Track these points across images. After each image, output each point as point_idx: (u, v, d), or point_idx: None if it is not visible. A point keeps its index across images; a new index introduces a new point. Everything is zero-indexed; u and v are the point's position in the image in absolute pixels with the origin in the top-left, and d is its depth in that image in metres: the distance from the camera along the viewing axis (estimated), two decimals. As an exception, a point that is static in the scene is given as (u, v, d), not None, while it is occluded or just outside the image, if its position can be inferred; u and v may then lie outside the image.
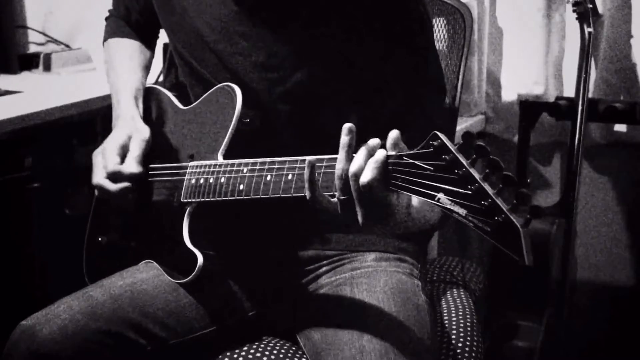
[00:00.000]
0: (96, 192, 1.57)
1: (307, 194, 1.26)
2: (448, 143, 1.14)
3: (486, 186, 1.10)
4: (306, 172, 1.25)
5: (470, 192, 1.11)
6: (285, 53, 1.50)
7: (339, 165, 1.24)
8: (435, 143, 1.15)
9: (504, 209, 1.08)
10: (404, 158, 1.19)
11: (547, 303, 2.37)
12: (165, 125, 1.63)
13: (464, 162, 1.12)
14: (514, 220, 1.07)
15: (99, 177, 1.55)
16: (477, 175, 1.11)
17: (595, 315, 2.67)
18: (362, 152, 1.22)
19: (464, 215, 1.11)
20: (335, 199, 1.26)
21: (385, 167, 1.20)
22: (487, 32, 2.64)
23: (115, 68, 1.74)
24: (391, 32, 1.47)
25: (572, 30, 2.52)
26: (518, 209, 1.08)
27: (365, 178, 1.20)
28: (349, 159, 1.23)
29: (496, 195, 1.09)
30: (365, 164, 1.21)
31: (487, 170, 1.10)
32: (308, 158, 1.26)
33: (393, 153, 1.20)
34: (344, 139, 1.24)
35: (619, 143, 2.60)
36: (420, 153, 1.17)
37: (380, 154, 1.20)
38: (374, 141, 1.23)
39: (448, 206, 1.13)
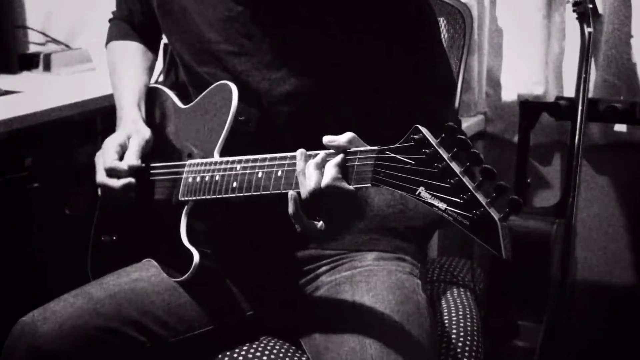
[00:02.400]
0: (99, 191, 1.57)
1: (297, 227, 1.31)
2: (429, 136, 1.14)
3: (465, 180, 1.10)
4: (290, 207, 1.29)
5: (449, 186, 1.11)
6: (287, 53, 1.50)
7: (303, 190, 1.28)
8: (416, 137, 1.15)
9: (483, 202, 1.07)
10: (386, 152, 1.19)
11: (547, 303, 2.37)
12: (166, 124, 1.64)
13: (445, 155, 1.12)
14: (492, 213, 1.07)
15: (100, 176, 1.55)
16: (457, 169, 1.11)
17: (595, 315, 2.67)
18: (310, 165, 1.27)
19: (443, 209, 1.11)
20: (319, 222, 1.30)
21: (342, 174, 1.24)
22: (487, 32, 2.64)
23: (118, 71, 1.73)
24: (391, 32, 1.48)
25: (572, 30, 2.52)
26: (497, 203, 1.08)
27: (324, 182, 1.25)
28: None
29: (475, 188, 1.09)
30: (316, 171, 1.26)
31: (468, 164, 1.10)
32: (290, 193, 1.29)
33: (352, 150, 1.24)
34: (299, 164, 1.29)
35: (619, 143, 2.60)
36: (401, 147, 1.18)
37: (330, 171, 1.25)
38: (319, 157, 1.28)
39: (429, 200, 1.13)
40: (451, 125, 1.12)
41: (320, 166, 1.27)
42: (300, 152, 1.30)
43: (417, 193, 1.14)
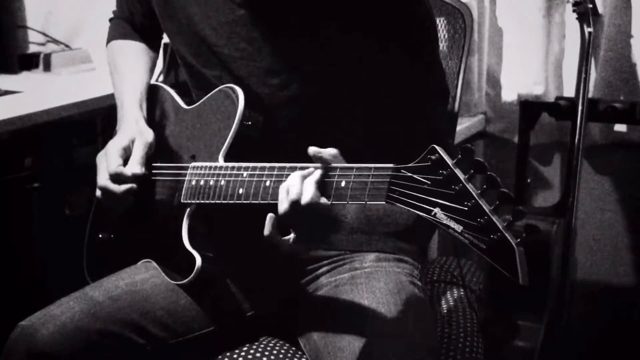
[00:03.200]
0: (98, 193, 1.57)
1: (267, 244, 1.34)
2: (446, 158, 1.14)
3: (483, 203, 1.09)
4: (267, 229, 1.32)
5: (466, 209, 1.10)
6: (289, 58, 1.50)
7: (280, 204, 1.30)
8: (433, 157, 1.15)
9: (500, 227, 1.07)
10: (402, 171, 1.19)
11: (547, 303, 2.37)
12: (168, 124, 1.63)
13: (462, 177, 1.12)
14: (510, 238, 1.07)
15: (102, 179, 1.54)
16: (474, 192, 1.10)
17: (595, 315, 2.67)
18: (295, 177, 1.29)
19: (459, 231, 1.11)
20: (290, 237, 1.32)
21: (317, 180, 1.26)
22: (487, 32, 2.64)
23: (119, 70, 1.73)
24: (390, 37, 1.48)
25: (572, 30, 2.52)
26: (513, 227, 1.08)
27: (305, 199, 1.27)
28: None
29: (492, 212, 1.09)
30: (301, 184, 1.28)
31: (485, 187, 1.10)
32: (269, 214, 1.31)
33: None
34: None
35: (619, 143, 2.60)
36: (418, 167, 1.17)
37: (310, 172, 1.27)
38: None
39: (444, 222, 1.12)
40: (468, 147, 1.12)
41: (303, 181, 1.29)
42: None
43: (432, 214, 1.14)
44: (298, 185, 1.28)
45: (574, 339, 2.48)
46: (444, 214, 1.13)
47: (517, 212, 1.07)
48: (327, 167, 1.28)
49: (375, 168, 1.23)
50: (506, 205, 1.08)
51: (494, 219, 1.08)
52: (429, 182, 1.15)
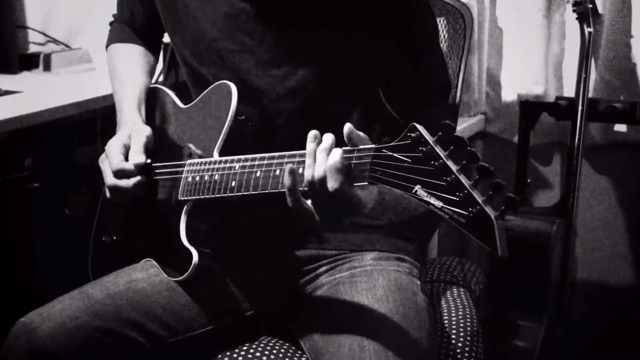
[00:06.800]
0: (108, 193, 1.56)
1: (289, 200, 1.29)
2: (425, 134, 1.15)
3: (462, 177, 1.10)
4: (286, 180, 1.27)
5: (446, 184, 1.11)
6: (289, 51, 1.50)
7: (307, 172, 1.26)
8: (413, 135, 1.16)
9: (479, 200, 1.08)
10: (383, 150, 1.20)
11: (547, 303, 2.37)
12: (166, 124, 1.64)
13: (441, 153, 1.12)
14: (488, 211, 1.07)
15: (109, 178, 1.54)
16: (453, 167, 1.11)
17: (595, 315, 2.68)
18: (320, 154, 1.25)
19: (439, 207, 1.11)
20: (310, 206, 1.29)
21: (344, 164, 1.23)
22: (487, 32, 2.65)
23: (119, 75, 1.73)
24: (392, 30, 1.48)
25: (572, 30, 2.52)
26: (494, 200, 1.08)
27: (331, 185, 1.24)
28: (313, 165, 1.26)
29: (472, 186, 1.09)
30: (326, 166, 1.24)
31: (464, 162, 1.10)
32: (288, 166, 1.27)
33: (349, 148, 1.23)
34: (309, 145, 1.27)
35: (619, 143, 2.60)
36: (398, 145, 1.18)
37: (335, 155, 1.23)
38: (328, 140, 1.26)
39: (425, 198, 1.13)
40: (448, 124, 1.13)
41: (329, 151, 1.26)
42: (315, 133, 1.28)
43: (413, 191, 1.14)
44: (323, 165, 1.26)
45: (574, 339, 2.48)
46: (425, 191, 1.13)
47: (496, 185, 1.07)
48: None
49: (358, 150, 1.24)
50: (486, 179, 1.08)
51: (473, 193, 1.08)
52: (410, 160, 1.15)
